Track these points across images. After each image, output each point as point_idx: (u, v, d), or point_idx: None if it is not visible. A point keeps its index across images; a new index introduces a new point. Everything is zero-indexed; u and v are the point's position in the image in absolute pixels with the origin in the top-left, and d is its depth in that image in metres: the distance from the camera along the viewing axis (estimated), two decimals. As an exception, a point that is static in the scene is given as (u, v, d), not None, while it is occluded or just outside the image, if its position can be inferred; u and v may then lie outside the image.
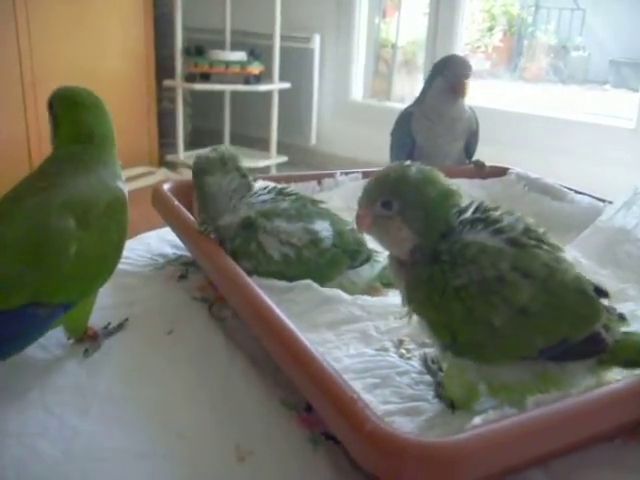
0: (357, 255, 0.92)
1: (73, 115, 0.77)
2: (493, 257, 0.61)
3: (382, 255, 0.96)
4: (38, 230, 0.68)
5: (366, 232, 0.69)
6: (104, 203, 0.72)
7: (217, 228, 0.91)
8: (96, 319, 0.81)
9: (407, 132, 1.37)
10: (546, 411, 0.54)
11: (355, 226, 0.69)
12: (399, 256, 0.67)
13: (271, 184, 0.97)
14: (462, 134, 1.38)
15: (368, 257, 0.94)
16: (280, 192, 0.94)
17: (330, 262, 0.90)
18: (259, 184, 0.98)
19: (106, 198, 0.73)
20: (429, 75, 1.37)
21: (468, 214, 0.66)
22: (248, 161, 3.06)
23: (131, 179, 2.99)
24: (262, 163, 3.13)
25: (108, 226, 0.72)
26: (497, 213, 0.66)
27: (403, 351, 0.76)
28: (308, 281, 0.87)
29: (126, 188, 0.78)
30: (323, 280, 0.88)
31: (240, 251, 0.88)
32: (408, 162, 0.68)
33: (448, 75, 1.31)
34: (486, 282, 0.60)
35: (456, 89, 1.31)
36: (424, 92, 1.36)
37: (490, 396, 0.63)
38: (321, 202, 0.97)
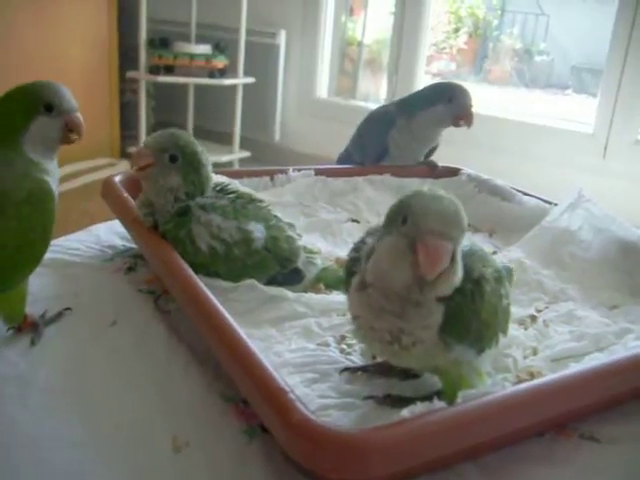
0: (287, 263, 0.92)
1: None
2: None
3: (319, 257, 0.97)
4: None
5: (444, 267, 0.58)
6: (24, 192, 0.72)
7: (155, 211, 0.91)
8: (40, 309, 0.81)
9: (383, 138, 1.38)
10: (468, 406, 0.56)
11: (429, 264, 0.57)
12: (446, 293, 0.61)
13: (217, 180, 0.97)
14: (429, 148, 1.42)
15: (298, 270, 0.93)
16: (222, 189, 0.95)
17: (258, 264, 0.89)
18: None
19: (27, 187, 0.72)
20: (426, 96, 1.36)
21: None
22: (211, 155, 3.07)
23: (92, 170, 2.96)
24: (225, 158, 3.12)
25: (30, 215, 0.72)
26: None
27: (344, 346, 0.77)
28: (252, 280, 0.87)
29: (55, 183, 0.77)
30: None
31: (170, 236, 0.88)
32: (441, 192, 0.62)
33: (455, 104, 1.32)
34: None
35: (465, 118, 1.32)
36: (415, 109, 1.35)
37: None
38: (261, 201, 0.96)
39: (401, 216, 0.59)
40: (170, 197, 0.90)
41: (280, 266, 0.91)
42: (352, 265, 0.67)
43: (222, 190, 0.94)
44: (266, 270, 0.90)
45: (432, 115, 1.33)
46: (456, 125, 1.33)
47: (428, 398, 0.59)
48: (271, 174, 1.27)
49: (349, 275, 0.68)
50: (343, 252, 1.03)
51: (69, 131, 0.79)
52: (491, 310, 0.64)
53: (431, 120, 1.34)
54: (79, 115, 0.79)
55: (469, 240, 0.67)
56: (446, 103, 1.31)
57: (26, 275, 0.76)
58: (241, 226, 0.89)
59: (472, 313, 0.62)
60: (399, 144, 1.37)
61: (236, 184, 0.99)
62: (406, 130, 1.36)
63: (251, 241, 0.89)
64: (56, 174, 0.79)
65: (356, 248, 0.69)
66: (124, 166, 3.09)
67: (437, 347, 0.62)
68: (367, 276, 0.62)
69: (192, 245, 0.87)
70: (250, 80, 3.18)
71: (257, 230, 0.90)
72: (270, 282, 0.89)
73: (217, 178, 0.99)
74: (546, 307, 0.91)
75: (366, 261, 0.63)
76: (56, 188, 0.77)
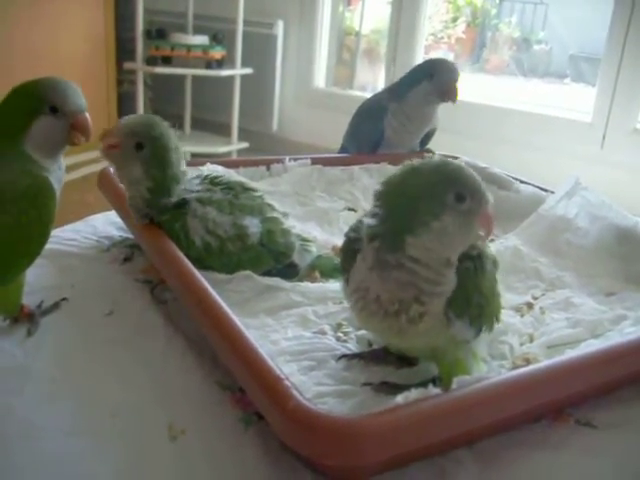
0: (283, 258, 0.91)
1: None
2: None
3: (314, 245, 0.97)
4: None
5: None
6: (22, 188, 0.71)
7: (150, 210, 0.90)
8: (37, 300, 0.82)
9: (378, 125, 1.38)
10: (464, 391, 0.56)
11: (491, 229, 0.65)
12: (454, 258, 0.64)
13: (204, 172, 0.96)
14: (426, 131, 1.42)
15: (294, 265, 0.92)
16: (212, 181, 0.93)
17: (253, 259, 0.89)
18: (200, 169, 0.98)
19: (25, 183, 0.72)
20: (411, 76, 1.36)
21: None
22: (209, 147, 3.07)
23: (90, 162, 2.95)
24: (223, 149, 3.12)
25: (27, 211, 0.72)
26: None
27: (340, 334, 0.77)
28: (247, 271, 0.87)
29: (57, 181, 0.76)
30: None
31: (166, 228, 0.87)
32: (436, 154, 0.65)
33: (437, 80, 1.31)
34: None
35: (448, 94, 1.32)
36: (403, 90, 1.36)
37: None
38: (255, 190, 0.96)
39: (453, 195, 0.62)
40: (136, 190, 0.88)
41: (275, 261, 0.91)
42: (353, 244, 0.68)
43: (212, 182, 0.93)
44: (261, 265, 0.90)
45: (419, 93, 1.33)
46: (443, 101, 1.34)
47: (423, 384, 0.59)
48: (267, 163, 1.26)
49: (351, 252, 0.68)
50: (340, 241, 1.02)
51: (75, 132, 0.76)
52: (490, 287, 0.68)
53: (419, 98, 1.34)
54: (87, 115, 0.77)
55: None
56: (429, 79, 1.32)
57: (23, 269, 0.76)
58: (236, 221, 0.89)
59: (474, 286, 0.65)
60: (395, 128, 1.38)
61: (231, 174, 0.99)
62: (400, 113, 1.36)
63: (246, 237, 0.89)
64: (59, 173, 0.77)
65: (355, 229, 0.70)
66: (122, 158, 3.07)
67: (440, 323, 0.64)
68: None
69: (186, 239, 0.87)
70: (248, 71, 3.17)
71: (252, 225, 0.90)
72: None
73: (211, 168, 0.99)
74: (542, 294, 0.91)
75: (369, 241, 0.64)
76: (59, 186, 0.76)
